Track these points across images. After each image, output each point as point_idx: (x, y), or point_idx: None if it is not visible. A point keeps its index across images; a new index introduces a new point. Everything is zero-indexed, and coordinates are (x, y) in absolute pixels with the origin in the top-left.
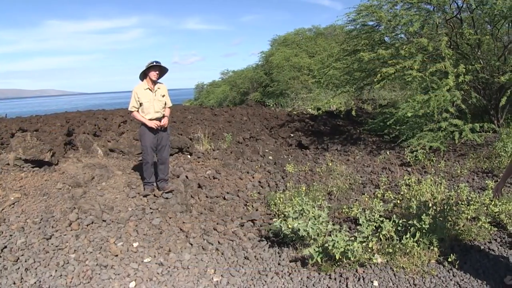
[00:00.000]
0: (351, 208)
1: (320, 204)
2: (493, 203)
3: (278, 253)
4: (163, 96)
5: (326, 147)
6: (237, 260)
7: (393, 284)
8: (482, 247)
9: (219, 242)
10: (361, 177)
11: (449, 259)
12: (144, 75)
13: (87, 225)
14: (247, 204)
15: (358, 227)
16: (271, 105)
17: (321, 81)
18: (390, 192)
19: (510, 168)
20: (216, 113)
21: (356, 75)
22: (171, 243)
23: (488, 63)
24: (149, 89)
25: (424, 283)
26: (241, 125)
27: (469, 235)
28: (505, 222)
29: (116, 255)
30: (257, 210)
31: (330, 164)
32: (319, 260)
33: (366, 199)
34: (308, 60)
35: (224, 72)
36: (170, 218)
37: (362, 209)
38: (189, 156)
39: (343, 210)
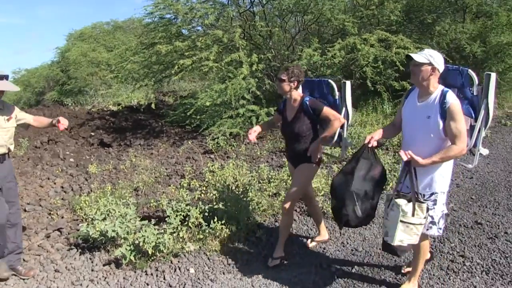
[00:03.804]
0: (159, 201)
1: (126, 202)
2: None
3: (90, 259)
4: (9, 119)
5: (129, 143)
6: (47, 276)
7: (208, 268)
8: None
9: (24, 260)
10: (166, 169)
11: (257, 235)
12: None
13: None
14: (51, 212)
15: (167, 219)
16: (70, 104)
17: (119, 75)
18: (195, 180)
19: None
20: None
21: (154, 68)
22: None
23: (279, 52)
24: None
25: (236, 261)
26: (38, 128)
27: (272, 209)
28: None
29: None
30: (62, 217)
31: (134, 159)
32: (132, 258)
33: (173, 190)
34: (106, 55)
35: (16, 71)
36: None
37: (169, 200)
38: None
39: (152, 204)
